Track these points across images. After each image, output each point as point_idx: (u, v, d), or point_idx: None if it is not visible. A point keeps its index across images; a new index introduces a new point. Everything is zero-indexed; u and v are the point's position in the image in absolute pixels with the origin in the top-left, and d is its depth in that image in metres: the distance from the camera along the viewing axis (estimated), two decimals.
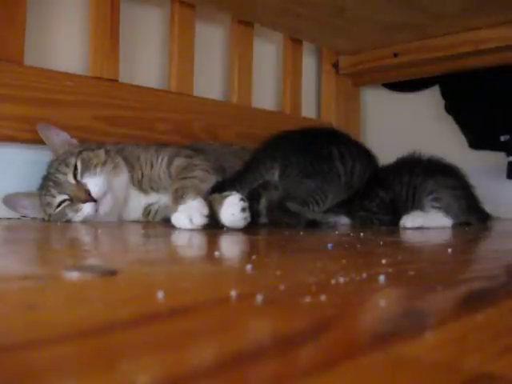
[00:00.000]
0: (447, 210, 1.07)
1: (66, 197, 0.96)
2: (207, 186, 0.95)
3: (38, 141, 1.04)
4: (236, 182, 0.98)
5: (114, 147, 1.07)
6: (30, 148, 1.08)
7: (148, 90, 1.31)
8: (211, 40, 1.55)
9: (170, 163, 1.05)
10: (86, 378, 0.18)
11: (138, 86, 1.28)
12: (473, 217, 1.15)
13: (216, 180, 0.99)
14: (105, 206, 0.97)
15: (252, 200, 1.00)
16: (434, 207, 1.08)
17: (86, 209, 0.95)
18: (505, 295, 0.36)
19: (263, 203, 1.03)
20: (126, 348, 0.21)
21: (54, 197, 0.97)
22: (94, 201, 0.95)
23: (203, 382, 0.18)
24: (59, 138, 1.04)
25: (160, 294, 0.30)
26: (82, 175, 0.96)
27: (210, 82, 1.52)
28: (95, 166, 0.97)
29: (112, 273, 0.38)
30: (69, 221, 0.96)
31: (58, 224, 0.93)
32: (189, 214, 0.82)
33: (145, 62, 1.40)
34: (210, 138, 1.38)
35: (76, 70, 1.20)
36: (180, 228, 0.83)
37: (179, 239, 0.75)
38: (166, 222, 0.94)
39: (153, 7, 1.42)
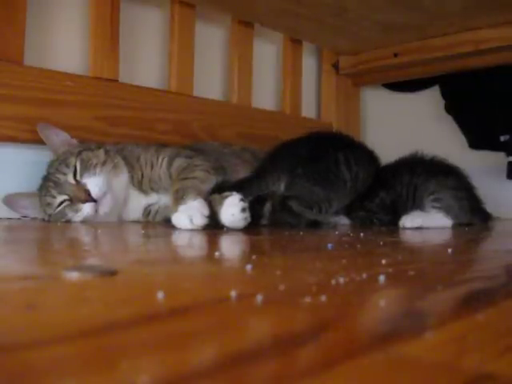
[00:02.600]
0: (447, 211, 1.07)
1: (65, 197, 0.96)
2: (208, 186, 0.95)
3: (38, 141, 1.04)
4: (240, 190, 0.97)
5: (113, 147, 1.07)
6: (29, 148, 1.08)
7: (148, 90, 1.31)
8: (211, 40, 1.55)
9: (170, 164, 1.05)
10: (86, 378, 0.18)
11: (138, 86, 1.28)
12: (474, 218, 1.15)
13: (216, 180, 0.99)
14: (105, 206, 0.97)
15: (257, 202, 1.00)
16: (434, 207, 1.08)
17: (86, 209, 0.95)
18: (505, 295, 0.36)
19: (267, 207, 1.03)
20: (126, 348, 0.21)
21: (54, 197, 0.97)
22: (94, 201, 0.95)
23: (203, 382, 0.18)
24: (59, 138, 1.04)
25: (160, 294, 0.30)
26: (81, 175, 0.96)
27: (210, 82, 1.52)
28: (95, 166, 0.97)
29: (112, 273, 0.38)
30: (69, 221, 0.96)
31: (58, 224, 0.93)
32: (189, 215, 0.82)
33: (145, 62, 1.40)
34: (209, 138, 1.38)
35: (76, 70, 1.20)
36: (180, 228, 0.83)
37: (179, 239, 0.75)
38: (166, 223, 0.94)
39: (153, 7, 1.42)
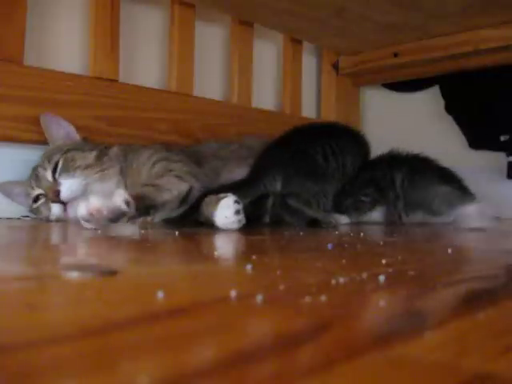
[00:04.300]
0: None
1: (41, 191, 0.96)
2: (169, 194, 0.92)
3: (38, 141, 1.05)
4: (237, 192, 0.97)
5: (121, 151, 1.05)
6: (30, 148, 1.09)
7: (148, 90, 1.31)
8: (211, 40, 1.55)
9: (151, 169, 1.02)
10: (86, 378, 0.18)
11: (138, 86, 1.28)
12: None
13: (190, 186, 0.97)
14: (74, 210, 0.91)
15: (259, 199, 1.01)
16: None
17: (54, 209, 0.94)
18: (505, 295, 0.36)
19: (270, 202, 1.04)
20: (126, 348, 0.21)
21: (33, 189, 0.97)
22: (63, 203, 0.94)
23: (203, 382, 0.18)
24: (60, 131, 1.05)
25: (160, 294, 0.30)
26: (59, 174, 0.96)
27: (210, 82, 1.52)
28: (75, 168, 0.96)
29: (112, 273, 0.38)
30: (48, 220, 0.96)
31: (58, 224, 0.94)
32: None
33: (145, 62, 1.40)
34: (209, 139, 1.38)
35: (76, 70, 1.20)
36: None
37: (179, 239, 0.75)
38: (166, 223, 0.94)
39: (153, 7, 1.42)
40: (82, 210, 0.74)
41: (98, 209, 0.74)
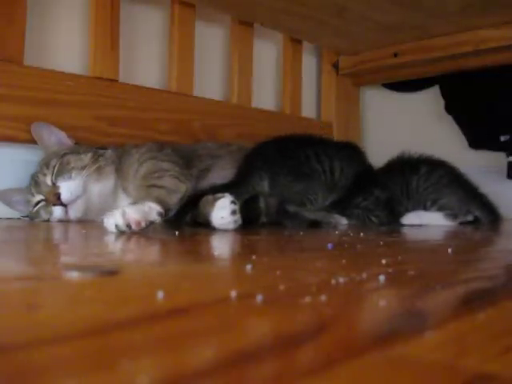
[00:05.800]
0: (444, 209, 1.10)
1: (42, 197, 0.98)
2: (176, 196, 0.94)
3: None
4: (231, 192, 0.97)
5: (114, 151, 1.06)
6: (29, 148, 1.09)
7: (148, 90, 1.31)
8: (211, 40, 1.55)
9: (139, 169, 1.02)
10: (86, 378, 0.18)
11: (137, 86, 1.28)
12: (477, 209, 1.17)
13: (187, 187, 0.98)
14: (74, 211, 0.97)
15: (250, 200, 1.01)
16: (432, 206, 1.11)
17: (56, 212, 0.96)
18: (505, 295, 0.36)
19: (262, 201, 1.04)
20: (126, 348, 0.21)
21: (33, 196, 0.99)
22: (64, 205, 0.95)
23: (203, 382, 0.18)
24: (52, 138, 1.05)
25: (160, 294, 0.30)
26: (57, 178, 0.97)
27: (210, 82, 1.52)
28: (71, 170, 0.97)
29: (112, 273, 0.38)
30: (47, 221, 0.97)
31: (58, 224, 0.94)
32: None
33: (145, 62, 1.40)
34: (209, 138, 1.38)
35: (76, 70, 1.20)
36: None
37: (178, 240, 0.75)
38: (165, 223, 0.94)
39: (153, 7, 1.42)
40: (118, 219, 0.74)
41: (137, 221, 0.75)
